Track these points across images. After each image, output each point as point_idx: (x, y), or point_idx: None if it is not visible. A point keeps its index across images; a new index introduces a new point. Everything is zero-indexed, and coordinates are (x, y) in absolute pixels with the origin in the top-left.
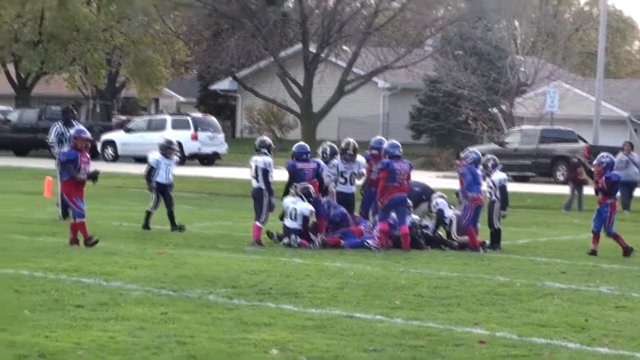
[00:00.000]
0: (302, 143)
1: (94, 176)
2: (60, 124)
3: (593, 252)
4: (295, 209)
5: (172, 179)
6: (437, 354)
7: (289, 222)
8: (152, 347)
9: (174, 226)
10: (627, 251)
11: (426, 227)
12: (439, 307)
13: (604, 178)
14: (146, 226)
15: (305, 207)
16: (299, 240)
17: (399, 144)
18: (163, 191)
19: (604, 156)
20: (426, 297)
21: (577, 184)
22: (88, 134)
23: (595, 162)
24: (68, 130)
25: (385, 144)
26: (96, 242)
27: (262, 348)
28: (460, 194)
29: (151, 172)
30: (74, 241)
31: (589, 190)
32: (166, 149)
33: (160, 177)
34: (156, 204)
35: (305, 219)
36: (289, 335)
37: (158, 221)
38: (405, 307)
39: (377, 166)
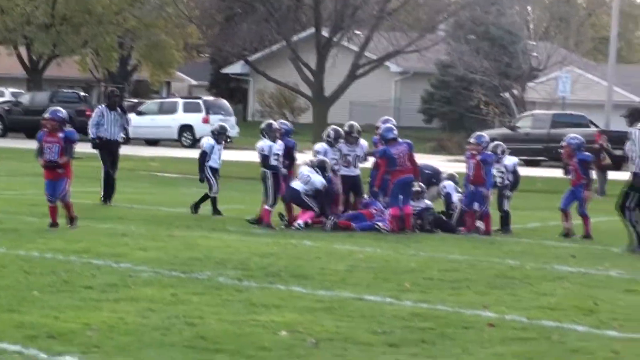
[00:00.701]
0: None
1: (47, 165)
2: (103, 106)
3: (567, 233)
4: (309, 177)
5: (221, 163)
6: (446, 336)
7: (295, 184)
8: (161, 327)
9: (196, 208)
10: (587, 237)
11: (442, 212)
12: (448, 290)
13: (576, 160)
14: (216, 212)
15: (319, 180)
16: (302, 223)
17: (393, 127)
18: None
19: (572, 137)
20: (436, 280)
21: (602, 170)
22: (59, 115)
23: (563, 143)
24: (110, 114)
25: (381, 129)
26: (54, 225)
27: (271, 329)
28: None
29: (204, 157)
30: (71, 220)
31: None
32: (219, 134)
33: (214, 162)
34: (216, 186)
35: (318, 192)
36: (299, 317)
37: (169, 203)
38: (414, 290)
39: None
